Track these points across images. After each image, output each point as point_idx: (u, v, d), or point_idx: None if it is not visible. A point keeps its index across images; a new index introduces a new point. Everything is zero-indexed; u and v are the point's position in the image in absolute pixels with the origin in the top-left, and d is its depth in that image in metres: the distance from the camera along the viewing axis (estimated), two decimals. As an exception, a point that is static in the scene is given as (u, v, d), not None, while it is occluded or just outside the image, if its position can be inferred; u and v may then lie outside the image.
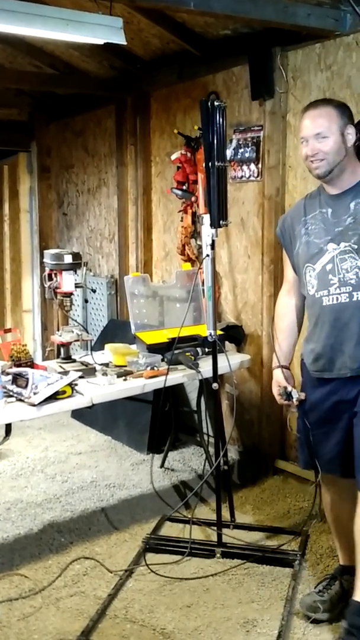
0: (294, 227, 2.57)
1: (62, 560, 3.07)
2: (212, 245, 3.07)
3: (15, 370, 3.03)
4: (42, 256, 3.82)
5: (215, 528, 3.11)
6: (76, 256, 3.30)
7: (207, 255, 3.07)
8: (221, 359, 3.15)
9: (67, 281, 3.27)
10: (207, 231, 3.05)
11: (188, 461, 4.22)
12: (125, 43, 2.71)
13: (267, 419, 3.94)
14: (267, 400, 3.94)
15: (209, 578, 2.90)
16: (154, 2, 2.84)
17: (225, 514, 3.25)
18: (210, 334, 3.10)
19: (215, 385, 3.11)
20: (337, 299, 2.38)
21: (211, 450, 3.81)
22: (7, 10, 2.48)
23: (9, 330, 3.66)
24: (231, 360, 3.28)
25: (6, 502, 3.69)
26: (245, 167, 3.95)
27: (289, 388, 2.59)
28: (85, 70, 4.95)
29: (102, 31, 2.64)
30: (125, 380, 3.19)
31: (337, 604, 2.58)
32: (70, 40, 2.78)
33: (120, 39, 2.65)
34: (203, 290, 3.95)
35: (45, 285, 3.31)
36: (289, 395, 2.58)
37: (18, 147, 6.17)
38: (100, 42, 2.75)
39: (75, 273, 3.32)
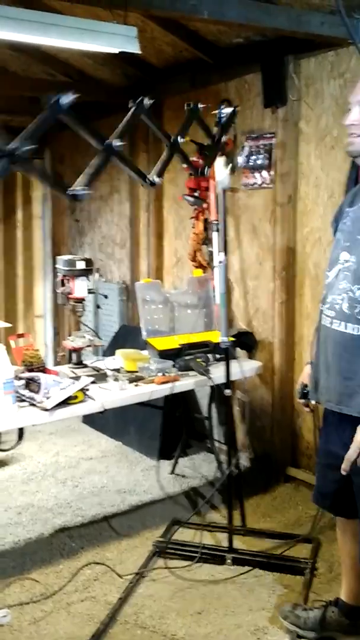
0: (339, 218, 2.26)
1: (72, 565, 3.08)
2: (225, 250, 3.06)
3: (27, 375, 3.04)
4: (54, 262, 3.84)
5: (226, 534, 3.10)
6: (88, 262, 3.32)
7: (220, 262, 3.08)
8: (233, 365, 3.15)
9: (79, 287, 3.29)
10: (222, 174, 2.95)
11: (198, 467, 4.21)
12: (139, 52, 2.73)
13: (278, 426, 3.94)
14: (279, 407, 3.94)
15: (220, 584, 2.90)
16: (169, 11, 2.87)
17: (236, 521, 3.24)
18: (223, 340, 3.10)
19: (227, 392, 3.11)
20: (326, 320, 2.17)
21: (222, 456, 3.81)
22: (23, 19, 2.51)
23: (22, 336, 3.68)
24: (243, 366, 3.28)
25: (17, 506, 3.70)
26: (257, 174, 3.97)
27: (308, 387, 2.39)
28: (99, 78, 4.99)
29: (116, 40, 2.66)
30: (136, 385, 3.20)
31: (310, 625, 2.49)
32: (86, 49, 2.80)
33: (134, 48, 2.68)
34: (214, 296, 3.98)
35: (58, 291, 3.33)
36: (304, 394, 2.46)
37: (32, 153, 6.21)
38: (115, 51, 2.78)
39: (87, 279, 3.34)
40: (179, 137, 2.94)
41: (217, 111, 3.59)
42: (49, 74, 5.06)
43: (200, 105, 2.92)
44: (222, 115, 3.07)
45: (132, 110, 2.72)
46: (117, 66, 4.65)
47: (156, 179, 2.80)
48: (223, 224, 3.14)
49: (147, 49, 4.22)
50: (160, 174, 2.82)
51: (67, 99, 2.24)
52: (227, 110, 3.05)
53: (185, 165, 4.30)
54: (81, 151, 5.86)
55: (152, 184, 2.81)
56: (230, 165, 3.06)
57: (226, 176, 3.00)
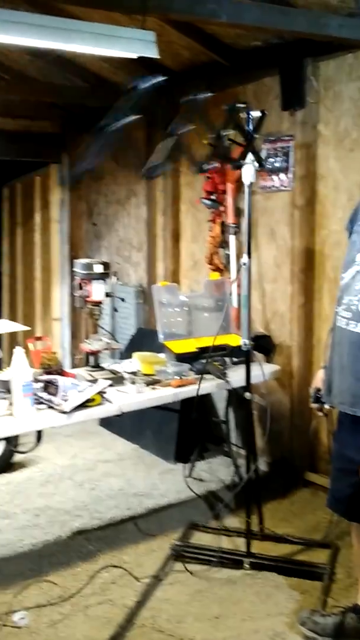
0: (354, 220, 2.29)
1: (90, 568, 3.09)
2: (249, 253, 3.05)
3: (46, 377, 3.06)
4: (72, 265, 3.86)
5: (244, 538, 3.09)
6: (106, 266, 3.33)
7: (244, 264, 3.06)
8: (252, 368, 3.14)
9: (96, 290, 3.30)
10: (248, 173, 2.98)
11: (215, 471, 4.20)
12: (158, 57, 2.74)
13: (296, 431, 3.92)
14: (297, 412, 3.92)
15: (238, 589, 2.88)
16: (187, 15, 2.87)
17: (254, 525, 3.23)
18: (245, 343, 3.09)
19: (248, 395, 3.10)
20: (341, 321, 2.19)
21: (239, 460, 3.80)
22: (42, 25, 2.54)
23: (40, 339, 3.70)
24: (261, 370, 3.27)
25: (35, 508, 3.72)
26: (275, 177, 3.96)
27: (322, 391, 2.41)
28: (116, 82, 5.01)
29: (135, 45, 2.68)
30: (153, 389, 3.20)
31: (328, 632, 2.47)
32: (104, 54, 2.82)
33: (153, 53, 2.69)
34: (231, 299, 3.97)
35: (75, 294, 3.35)
36: (317, 399, 2.46)
37: (50, 158, 6.27)
38: (134, 56, 2.79)
39: (105, 282, 3.35)
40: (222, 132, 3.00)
41: (240, 106, 3.54)
42: (67, 79, 5.10)
43: (239, 105, 2.97)
44: (250, 118, 3.07)
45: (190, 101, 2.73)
46: (133, 70, 4.66)
47: (204, 166, 2.86)
48: (247, 223, 3.12)
49: (164, 52, 4.20)
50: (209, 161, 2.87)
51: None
52: (256, 114, 3.07)
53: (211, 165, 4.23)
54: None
55: (202, 170, 2.86)
56: (258, 160, 3.07)
57: (253, 171, 3.03)
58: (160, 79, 2.35)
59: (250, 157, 3.00)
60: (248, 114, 3.05)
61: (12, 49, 4.55)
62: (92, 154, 2.23)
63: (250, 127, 3.01)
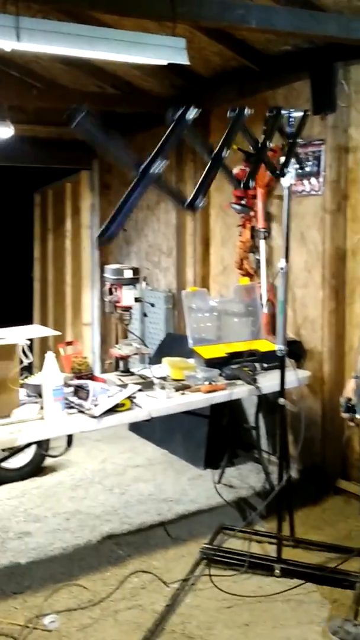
0: None
1: (120, 573, 3.09)
2: (287, 257, 3.03)
3: (76, 382, 3.09)
4: (102, 271, 3.89)
5: (274, 544, 3.06)
6: (135, 271, 3.35)
7: (282, 268, 3.05)
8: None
9: (126, 295, 3.32)
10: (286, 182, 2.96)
11: (245, 478, 4.18)
12: (188, 63, 2.75)
13: (328, 437, 3.88)
14: (329, 418, 3.88)
15: (268, 596, 2.86)
16: (217, 21, 2.88)
17: (285, 532, 3.20)
18: (280, 349, 3.07)
19: (282, 401, 3.08)
20: None
21: (269, 467, 3.78)
22: (74, 34, 2.57)
23: (70, 343, 3.73)
24: (292, 376, 3.24)
25: (65, 512, 3.75)
26: (305, 182, 3.93)
27: (353, 400, 2.43)
28: (146, 89, 5.05)
29: (165, 52, 2.69)
30: (183, 394, 3.20)
31: None
32: (134, 61, 2.85)
33: (183, 59, 2.70)
34: (261, 304, 3.95)
35: (105, 300, 3.37)
36: (348, 408, 2.45)
37: (80, 165, 6.33)
38: (164, 62, 2.81)
39: (134, 287, 3.37)
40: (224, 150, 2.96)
41: (286, 113, 3.47)
42: (98, 86, 5.14)
43: (247, 111, 2.93)
44: (291, 119, 3.03)
45: (233, 120, 2.69)
46: (164, 77, 4.70)
47: (250, 183, 2.81)
48: (286, 226, 3.10)
49: (194, 59, 4.23)
50: (252, 178, 2.81)
51: (192, 113, 2.25)
52: (297, 114, 3.02)
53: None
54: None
55: (247, 187, 2.80)
56: (299, 163, 3.06)
57: (293, 174, 3.02)
58: (195, 111, 2.30)
59: (292, 162, 2.98)
60: (289, 116, 3.02)
61: (44, 57, 4.61)
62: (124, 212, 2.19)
63: (292, 130, 2.98)
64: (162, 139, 2.38)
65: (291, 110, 3.00)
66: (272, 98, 4.16)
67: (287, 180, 3.00)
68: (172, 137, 2.33)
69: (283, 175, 2.99)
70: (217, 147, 2.53)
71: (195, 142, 2.68)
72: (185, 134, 2.42)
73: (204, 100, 4.73)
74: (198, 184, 2.50)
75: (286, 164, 2.99)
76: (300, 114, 3.00)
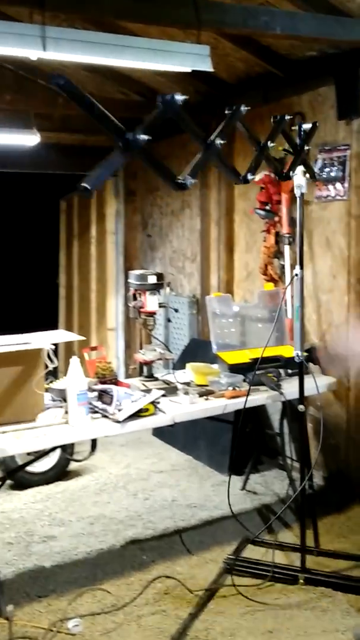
0: None
1: (143, 578, 3.10)
2: (301, 263, 3.03)
3: (100, 387, 3.11)
4: (126, 276, 3.92)
5: (298, 553, 3.04)
6: (159, 277, 3.36)
7: (296, 275, 3.05)
8: (306, 380, 3.10)
9: (150, 301, 3.34)
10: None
11: (270, 484, 4.16)
12: (212, 70, 2.76)
13: (353, 444, 3.84)
14: (354, 425, 3.84)
15: (292, 604, 2.84)
16: (241, 28, 2.89)
17: (309, 541, 3.17)
18: (297, 355, 3.06)
19: (301, 407, 3.06)
20: None
21: (295, 474, 3.75)
22: (99, 43, 2.60)
23: (95, 348, 3.76)
24: (316, 382, 3.22)
25: (90, 516, 3.77)
26: (330, 187, 3.91)
27: None
28: (171, 95, 5.07)
29: (189, 59, 2.71)
30: (206, 399, 3.20)
31: None
32: (159, 69, 2.86)
33: (207, 66, 2.71)
34: (286, 310, 3.93)
35: (130, 305, 3.39)
36: None
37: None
38: (188, 70, 2.82)
39: (159, 293, 3.38)
40: (268, 142, 3.01)
41: (295, 127, 3.57)
42: (123, 93, 5.18)
43: (287, 117, 3.00)
44: (302, 130, 3.09)
45: (229, 115, 2.77)
46: (188, 83, 4.71)
47: (249, 176, 2.87)
48: (300, 234, 3.10)
49: (219, 65, 4.25)
50: (252, 172, 2.88)
51: (180, 96, 2.34)
52: (307, 126, 3.09)
53: (257, 179, 4.28)
54: (175, 156, 5.96)
55: (246, 181, 2.87)
56: (308, 172, 3.08)
57: (304, 181, 3.03)
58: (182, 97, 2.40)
59: (300, 168, 2.99)
60: (300, 125, 3.05)
61: (70, 65, 4.67)
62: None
63: (301, 138, 3.00)
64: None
65: (301, 122, 3.04)
66: (296, 104, 4.15)
67: (298, 190, 3.02)
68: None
69: (289, 177, 3.02)
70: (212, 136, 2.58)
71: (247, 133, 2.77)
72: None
73: (229, 107, 4.74)
74: (191, 164, 2.55)
75: (292, 168, 3.01)
76: (309, 125, 3.04)
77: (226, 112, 2.78)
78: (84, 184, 2.15)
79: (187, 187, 2.50)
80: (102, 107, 2.19)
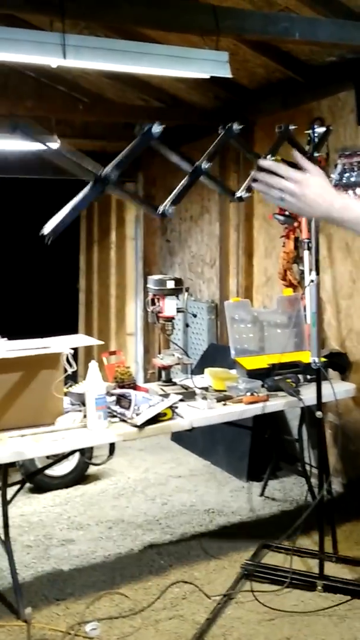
0: None
1: (161, 583, 3.10)
2: (317, 269, 3.03)
3: (119, 391, 3.12)
4: (145, 282, 3.94)
5: (317, 560, 3.02)
6: (178, 282, 3.38)
7: (312, 281, 3.04)
8: (325, 386, 3.09)
9: (169, 306, 3.35)
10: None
11: (289, 491, 4.14)
12: (230, 76, 2.77)
13: (372, 450, 3.81)
14: (373, 431, 3.81)
15: (310, 611, 2.82)
16: (260, 34, 2.90)
17: (328, 548, 3.15)
18: (314, 361, 3.05)
19: (319, 414, 3.05)
20: None
21: (314, 481, 3.72)
22: (119, 50, 2.62)
23: (114, 353, 3.78)
24: (335, 388, 3.20)
25: (108, 520, 3.78)
26: (350, 192, 3.89)
27: None
28: (191, 102, 5.09)
29: (208, 65, 2.72)
30: (224, 405, 3.20)
31: None
32: (178, 75, 2.88)
33: (225, 72, 2.72)
34: (305, 316, 3.92)
35: (148, 310, 3.41)
36: None
37: (125, 177, 6.41)
38: (206, 76, 2.84)
39: (177, 298, 3.39)
40: (268, 157, 2.99)
41: (309, 131, 3.59)
42: (143, 100, 5.22)
43: (291, 127, 2.97)
44: (315, 135, 3.08)
45: (221, 135, 2.78)
46: (208, 89, 4.73)
47: (244, 194, 2.87)
48: (315, 240, 3.10)
49: (238, 71, 4.26)
50: (249, 189, 2.88)
51: (157, 127, 2.35)
52: (320, 130, 3.08)
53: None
54: (172, 173, 6.00)
55: (240, 199, 2.87)
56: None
57: None
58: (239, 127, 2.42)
59: None
60: (313, 130, 3.04)
61: (91, 72, 4.71)
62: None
63: (313, 144, 2.99)
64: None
65: (314, 126, 3.03)
66: (316, 109, 4.14)
67: None
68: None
69: None
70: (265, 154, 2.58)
71: (244, 149, 2.77)
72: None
73: (249, 112, 4.75)
74: (248, 179, 2.56)
75: None
76: (323, 129, 3.03)
77: (219, 131, 2.78)
78: (46, 231, 2.18)
79: (167, 216, 2.55)
80: (68, 148, 2.22)
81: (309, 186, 1.36)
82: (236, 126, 2.77)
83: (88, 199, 2.34)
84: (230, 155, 4.97)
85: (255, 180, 1.45)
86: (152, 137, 2.38)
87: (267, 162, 1.42)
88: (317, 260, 3.08)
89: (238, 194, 2.88)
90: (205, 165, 2.53)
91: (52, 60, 2.55)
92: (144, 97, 5.19)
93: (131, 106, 5.22)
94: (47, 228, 2.17)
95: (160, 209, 2.52)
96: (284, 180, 1.39)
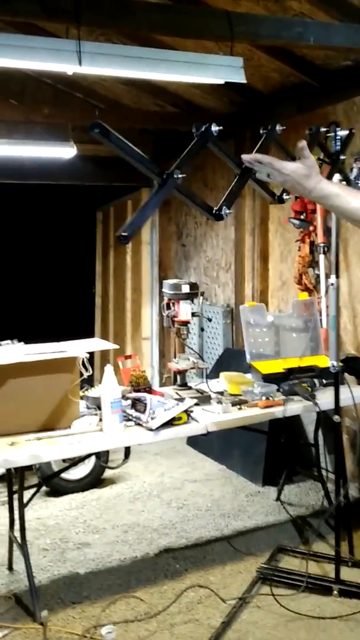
0: None
1: (177, 587, 3.10)
2: (337, 272, 3.03)
3: (134, 395, 3.14)
4: (161, 286, 3.96)
5: (333, 564, 3.01)
6: (193, 286, 3.39)
7: (332, 284, 3.03)
8: (342, 391, 3.08)
9: (184, 310, 3.36)
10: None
11: (305, 496, 4.12)
12: (245, 81, 2.78)
13: (388, 455, 3.78)
14: (389, 435, 3.78)
15: (326, 616, 2.80)
16: (274, 40, 2.91)
17: (344, 552, 3.13)
18: (333, 365, 3.04)
19: (337, 418, 3.04)
20: None
21: (330, 486, 3.71)
22: (134, 57, 2.65)
23: (129, 357, 3.79)
24: (352, 393, 3.19)
25: (124, 524, 3.79)
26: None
27: None
28: (206, 107, 5.11)
29: (222, 71, 2.74)
30: (240, 409, 3.20)
31: None
32: (193, 81, 2.90)
33: (240, 78, 2.74)
34: (321, 320, 3.91)
35: (164, 314, 3.42)
36: None
37: (141, 183, 6.45)
38: (221, 81, 2.85)
39: (192, 302, 3.40)
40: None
41: (331, 134, 3.58)
42: (159, 105, 5.25)
43: (322, 129, 3.01)
44: (338, 137, 3.09)
45: (264, 136, 2.79)
46: (223, 94, 4.75)
47: (286, 196, 2.90)
48: (335, 243, 3.09)
49: (253, 76, 4.28)
50: (288, 192, 2.91)
51: (215, 127, 2.40)
52: (342, 133, 3.08)
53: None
54: (188, 178, 6.02)
55: (281, 200, 2.90)
56: (345, 179, 3.08)
57: None
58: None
59: (336, 177, 2.99)
60: (335, 133, 3.05)
61: (107, 78, 4.76)
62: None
63: (337, 147, 3.00)
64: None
65: (337, 129, 3.03)
66: (331, 113, 4.14)
67: None
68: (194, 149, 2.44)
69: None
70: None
71: (285, 150, 2.79)
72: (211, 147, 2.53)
73: (263, 117, 4.76)
74: (227, 193, 2.57)
75: (329, 177, 3.00)
76: (346, 132, 3.03)
77: (261, 131, 2.80)
78: (123, 233, 2.20)
79: (223, 218, 2.55)
80: (138, 150, 2.23)
81: (287, 175, 1.60)
82: (279, 127, 2.80)
83: (159, 199, 2.38)
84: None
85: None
86: (211, 136, 2.42)
87: (248, 157, 1.66)
88: (337, 263, 3.07)
89: (278, 194, 2.91)
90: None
91: (68, 68, 2.58)
92: (159, 103, 5.22)
93: (147, 112, 5.25)
94: (123, 230, 2.21)
95: (216, 210, 2.55)
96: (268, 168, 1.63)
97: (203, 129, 2.42)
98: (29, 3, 2.49)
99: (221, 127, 2.41)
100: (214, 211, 2.60)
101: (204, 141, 2.42)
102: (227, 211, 2.54)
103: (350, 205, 1.58)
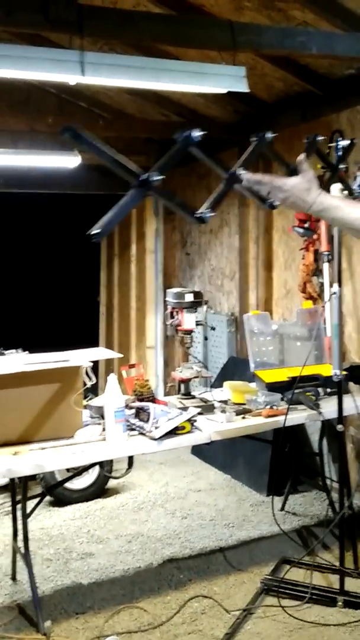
0: None
1: (180, 597, 3.08)
2: (339, 281, 3.02)
3: (137, 404, 3.13)
4: (165, 294, 3.96)
5: (337, 575, 2.98)
6: (197, 295, 3.38)
7: (334, 293, 3.03)
8: (346, 400, 3.06)
9: (187, 319, 3.36)
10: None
11: (310, 505, 4.10)
12: (247, 91, 2.79)
13: (393, 464, 3.76)
14: (394, 445, 3.76)
15: (330, 627, 2.78)
16: (277, 49, 2.91)
17: (349, 563, 3.11)
18: (336, 374, 3.03)
19: (340, 427, 3.02)
20: None
21: (334, 495, 3.68)
22: (137, 66, 2.66)
23: (133, 366, 3.79)
24: (356, 402, 3.18)
25: (127, 534, 3.77)
26: (369, 204, 3.88)
27: None
28: (210, 116, 5.13)
29: (225, 81, 2.75)
30: (243, 418, 3.18)
31: None
32: (196, 91, 2.91)
33: (243, 87, 2.74)
34: (325, 328, 3.90)
35: (167, 323, 3.42)
36: None
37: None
38: (224, 91, 2.86)
39: (196, 311, 3.40)
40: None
41: (332, 144, 3.60)
42: (163, 115, 5.26)
43: (319, 138, 3.01)
44: (339, 147, 3.10)
45: (255, 143, 2.79)
46: (227, 103, 4.76)
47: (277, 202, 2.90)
48: (338, 251, 3.09)
49: (257, 85, 4.29)
50: None
51: (197, 132, 2.39)
52: (344, 143, 3.10)
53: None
54: (192, 187, 6.04)
55: (272, 207, 2.89)
56: (347, 189, 3.08)
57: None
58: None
59: (337, 186, 2.99)
60: (337, 142, 3.05)
61: (112, 88, 4.77)
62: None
63: (338, 156, 3.00)
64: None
65: (339, 139, 3.04)
66: (335, 121, 4.14)
67: None
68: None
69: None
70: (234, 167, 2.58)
71: (278, 159, 2.79)
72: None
73: (267, 125, 4.75)
74: (209, 198, 2.56)
75: (328, 186, 3.01)
76: (347, 142, 3.04)
77: (251, 139, 2.79)
78: (95, 230, 2.19)
79: (205, 221, 2.53)
80: (113, 151, 2.22)
81: (288, 191, 1.64)
82: (269, 135, 2.79)
83: (133, 201, 2.36)
84: (251, 168, 4.99)
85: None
86: (192, 142, 2.41)
87: (248, 177, 1.76)
88: (339, 272, 3.06)
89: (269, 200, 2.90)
90: (239, 171, 2.53)
91: (71, 78, 2.59)
92: (164, 112, 5.24)
93: (151, 121, 5.27)
94: (95, 229, 2.19)
95: (197, 213, 2.53)
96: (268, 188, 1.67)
97: (185, 135, 2.42)
98: (32, 14, 2.50)
99: (205, 132, 2.40)
100: (195, 215, 2.59)
101: (185, 146, 2.42)
102: (209, 214, 2.52)
103: (350, 216, 1.59)
